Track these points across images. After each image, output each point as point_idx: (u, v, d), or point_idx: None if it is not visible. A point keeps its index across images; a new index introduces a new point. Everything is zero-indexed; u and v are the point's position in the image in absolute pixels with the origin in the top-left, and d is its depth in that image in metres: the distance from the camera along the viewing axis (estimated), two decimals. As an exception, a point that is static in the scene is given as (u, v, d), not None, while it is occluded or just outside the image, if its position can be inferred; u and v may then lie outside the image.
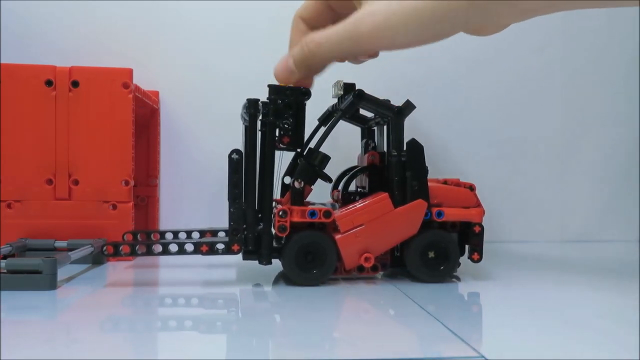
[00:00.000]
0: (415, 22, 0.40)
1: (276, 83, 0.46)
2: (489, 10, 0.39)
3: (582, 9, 0.41)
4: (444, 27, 0.40)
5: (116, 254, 0.44)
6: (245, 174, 0.45)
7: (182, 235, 0.53)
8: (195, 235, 0.53)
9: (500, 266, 0.54)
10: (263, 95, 0.46)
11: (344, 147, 0.55)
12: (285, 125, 0.45)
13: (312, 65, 0.44)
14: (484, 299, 0.43)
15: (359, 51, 0.43)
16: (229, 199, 0.44)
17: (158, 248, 0.44)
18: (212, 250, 0.44)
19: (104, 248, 0.43)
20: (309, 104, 0.46)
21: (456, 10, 0.38)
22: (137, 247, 0.44)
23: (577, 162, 0.76)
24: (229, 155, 0.44)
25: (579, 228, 0.76)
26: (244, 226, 0.45)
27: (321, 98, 0.49)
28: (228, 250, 0.44)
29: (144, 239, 0.52)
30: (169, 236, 0.53)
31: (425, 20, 0.39)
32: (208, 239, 0.49)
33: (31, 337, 0.32)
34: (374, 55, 0.46)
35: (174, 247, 0.44)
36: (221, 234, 0.53)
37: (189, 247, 0.44)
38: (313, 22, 0.48)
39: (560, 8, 0.40)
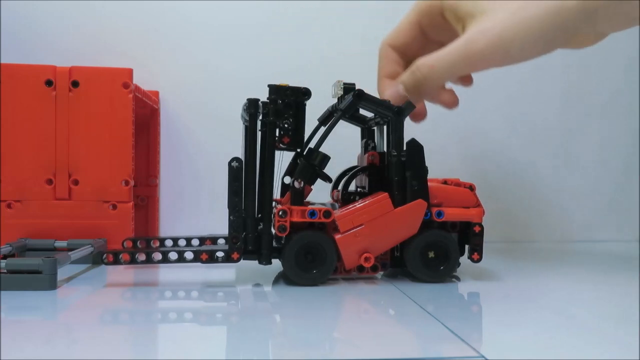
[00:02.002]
0: (528, 36, 0.40)
1: (276, 83, 0.46)
2: (598, 16, 0.39)
3: None
4: (557, 37, 0.40)
5: (116, 262, 0.44)
6: (245, 175, 0.45)
7: (182, 242, 0.52)
8: (195, 242, 0.53)
9: (500, 266, 0.54)
10: (263, 95, 0.46)
11: (344, 147, 0.55)
12: (286, 125, 0.45)
13: (425, 88, 0.45)
14: (483, 299, 0.43)
15: (473, 70, 0.43)
16: (228, 207, 0.44)
17: (158, 256, 0.44)
18: (211, 258, 0.44)
19: (104, 257, 0.44)
20: (309, 104, 0.46)
21: (567, 19, 0.39)
22: (136, 256, 0.44)
23: (577, 162, 0.76)
24: (229, 163, 0.44)
25: (579, 228, 0.76)
26: (244, 234, 0.45)
27: (321, 98, 0.49)
28: (227, 259, 0.44)
29: (143, 246, 0.52)
30: (169, 243, 0.52)
31: (538, 33, 0.40)
32: (208, 246, 0.49)
33: (31, 337, 0.32)
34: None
35: (173, 255, 0.44)
36: (221, 241, 0.53)
37: (189, 255, 0.44)
38: (404, 48, 0.49)
39: None
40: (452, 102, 0.47)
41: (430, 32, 0.48)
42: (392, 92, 0.46)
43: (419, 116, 0.50)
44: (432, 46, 0.50)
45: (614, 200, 0.76)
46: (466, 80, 0.50)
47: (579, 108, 0.75)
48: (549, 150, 0.75)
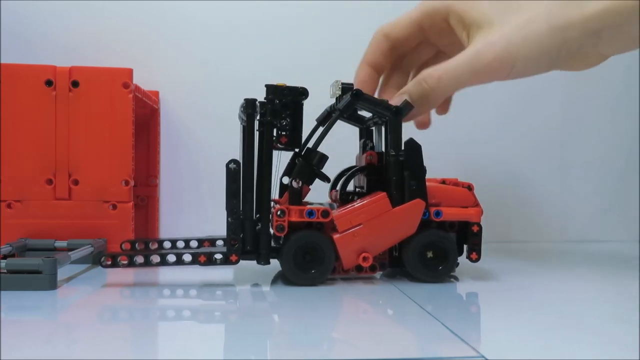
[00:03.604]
0: (533, 51, 0.41)
1: (274, 82, 0.46)
2: (602, 36, 0.39)
3: None
4: (560, 54, 0.41)
5: (114, 265, 0.44)
6: (243, 176, 0.45)
7: (180, 244, 0.52)
8: (194, 243, 0.53)
9: (500, 266, 0.54)
10: (262, 95, 0.46)
11: (342, 147, 0.55)
12: (283, 124, 0.45)
13: (432, 100, 0.45)
14: (483, 299, 0.43)
15: (478, 82, 0.44)
16: (227, 209, 0.44)
17: (156, 259, 0.44)
18: (210, 260, 0.45)
19: (102, 260, 0.44)
20: (307, 104, 0.47)
21: (572, 37, 0.40)
22: (135, 258, 0.44)
23: (578, 162, 0.76)
24: (227, 165, 0.44)
25: (579, 228, 0.76)
26: (242, 235, 0.45)
27: (319, 98, 0.49)
28: (226, 261, 0.45)
29: (142, 248, 0.52)
30: (167, 245, 0.52)
31: (543, 48, 0.41)
32: (206, 249, 0.49)
33: (31, 337, 0.32)
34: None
35: (171, 258, 0.45)
36: (219, 242, 0.53)
37: (187, 257, 0.45)
38: (398, 43, 0.49)
39: None
40: (423, 124, 0.48)
41: (429, 34, 0.48)
42: (396, 102, 0.46)
43: (424, 124, 0.50)
44: (426, 48, 0.50)
45: (614, 200, 0.76)
46: (443, 107, 0.51)
47: (579, 108, 0.75)
48: (549, 149, 0.75)
